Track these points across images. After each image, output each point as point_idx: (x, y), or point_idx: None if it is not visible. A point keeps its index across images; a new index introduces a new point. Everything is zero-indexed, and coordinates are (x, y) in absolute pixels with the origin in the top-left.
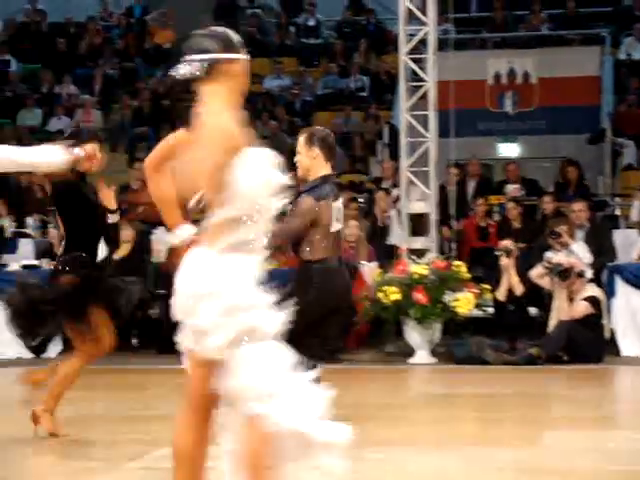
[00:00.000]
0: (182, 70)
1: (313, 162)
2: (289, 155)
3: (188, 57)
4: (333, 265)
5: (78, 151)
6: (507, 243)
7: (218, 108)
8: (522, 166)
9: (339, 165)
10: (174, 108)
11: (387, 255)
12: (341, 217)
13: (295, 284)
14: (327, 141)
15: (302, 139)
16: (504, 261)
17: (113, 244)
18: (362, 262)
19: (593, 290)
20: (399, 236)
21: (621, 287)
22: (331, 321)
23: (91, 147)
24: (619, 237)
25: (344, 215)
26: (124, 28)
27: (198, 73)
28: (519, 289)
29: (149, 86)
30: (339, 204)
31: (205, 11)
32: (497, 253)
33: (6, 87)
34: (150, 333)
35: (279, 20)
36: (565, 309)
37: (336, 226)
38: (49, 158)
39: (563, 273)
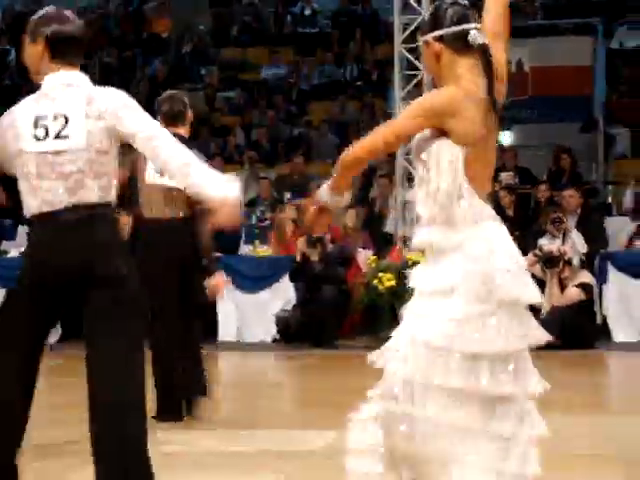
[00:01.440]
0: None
1: None
2: None
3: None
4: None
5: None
6: None
7: None
8: (517, 154)
9: (331, 152)
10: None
11: (383, 242)
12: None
13: None
14: (160, 106)
15: None
16: None
17: None
18: (358, 249)
19: (585, 277)
20: (395, 223)
21: (613, 274)
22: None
23: None
24: (611, 225)
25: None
26: (121, 17)
27: None
28: None
29: (147, 74)
30: None
31: (201, 3)
32: None
33: (4, 76)
34: None
35: (276, 9)
36: (557, 295)
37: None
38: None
39: (551, 261)
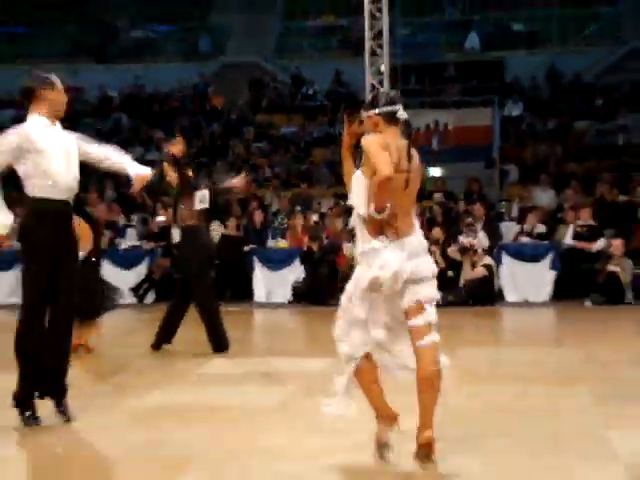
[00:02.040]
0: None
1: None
2: None
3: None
4: (198, 229)
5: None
6: (436, 233)
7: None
8: (444, 182)
9: (326, 181)
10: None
11: None
12: (205, 200)
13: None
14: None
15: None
16: (433, 248)
17: None
18: (344, 243)
19: (487, 260)
20: None
21: (505, 258)
22: (208, 269)
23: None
24: (504, 227)
25: (332, 212)
26: (192, 97)
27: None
28: (441, 264)
29: (208, 132)
30: (202, 193)
31: (243, 86)
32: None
33: (118, 133)
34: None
35: (290, 90)
36: (469, 272)
37: (199, 205)
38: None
39: (465, 250)
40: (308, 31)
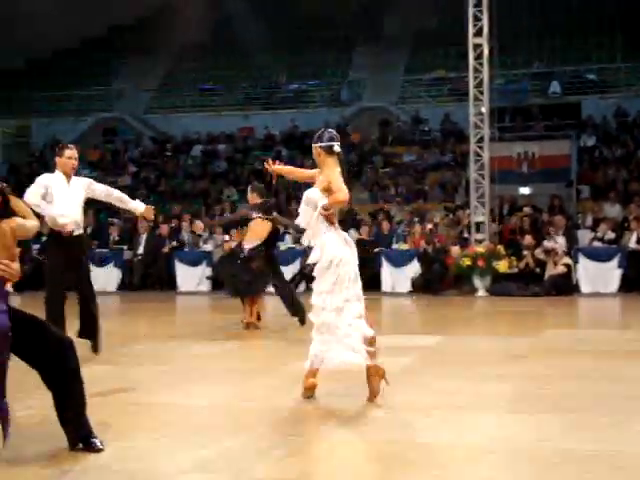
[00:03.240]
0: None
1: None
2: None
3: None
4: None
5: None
6: (527, 240)
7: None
8: (532, 198)
9: (438, 198)
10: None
11: (463, 241)
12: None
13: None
14: (253, 189)
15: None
16: (525, 252)
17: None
18: (452, 247)
19: (567, 260)
20: (468, 232)
21: (581, 258)
22: None
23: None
24: (579, 234)
25: (443, 222)
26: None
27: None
28: (531, 264)
29: (347, 160)
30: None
31: (374, 125)
32: (523, 247)
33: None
34: None
35: (411, 128)
36: (552, 269)
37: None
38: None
39: (548, 251)
40: (424, 82)
